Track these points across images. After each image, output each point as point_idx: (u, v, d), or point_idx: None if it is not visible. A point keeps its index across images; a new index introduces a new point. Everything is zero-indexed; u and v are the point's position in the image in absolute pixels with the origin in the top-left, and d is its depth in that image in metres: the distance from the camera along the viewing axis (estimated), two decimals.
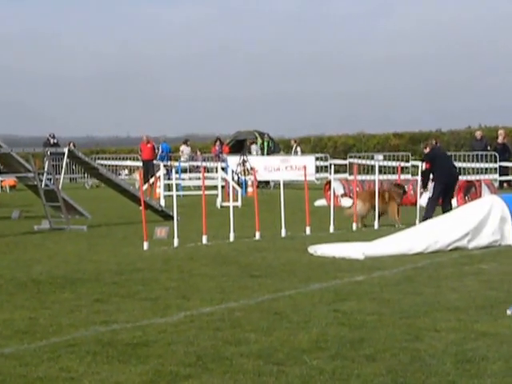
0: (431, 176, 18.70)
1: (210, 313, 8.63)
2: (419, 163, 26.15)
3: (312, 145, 48.34)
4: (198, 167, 38.74)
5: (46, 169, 20.11)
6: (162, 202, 23.72)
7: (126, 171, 45.58)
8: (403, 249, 13.24)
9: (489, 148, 35.44)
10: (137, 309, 8.90)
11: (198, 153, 44.56)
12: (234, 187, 25.75)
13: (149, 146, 38.56)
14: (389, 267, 11.81)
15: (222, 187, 26.34)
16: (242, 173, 33.23)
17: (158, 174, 29.96)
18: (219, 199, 25.14)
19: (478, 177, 31.81)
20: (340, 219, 18.21)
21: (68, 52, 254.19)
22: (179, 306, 8.99)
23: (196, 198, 24.29)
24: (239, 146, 41.00)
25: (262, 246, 14.66)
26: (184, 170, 36.90)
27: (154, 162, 37.85)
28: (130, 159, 46.05)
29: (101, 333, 7.76)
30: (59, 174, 25.77)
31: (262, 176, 35.55)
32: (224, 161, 36.38)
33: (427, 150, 18.95)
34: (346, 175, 35.54)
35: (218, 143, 42.40)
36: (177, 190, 18.46)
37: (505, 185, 34.60)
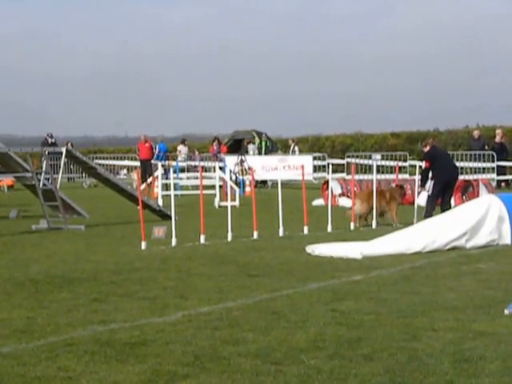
0: (430, 175, 18.73)
1: (208, 312, 8.63)
2: (417, 163, 26.22)
3: (310, 144, 48.34)
4: (195, 167, 38.74)
5: (43, 168, 20.11)
6: (160, 202, 23.72)
7: (125, 170, 45.56)
8: (401, 248, 13.25)
9: (486, 147, 35.45)
10: (135, 308, 8.90)
11: (196, 152, 44.57)
12: (231, 187, 25.81)
13: (147, 145, 38.56)
14: (386, 267, 11.82)
15: (220, 187, 26.33)
16: (240, 172, 33.24)
17: (155, 174, 29.97)
18: (217, 199, 25.14)
19: (475, 176, 31.82)
20: (338, 219, 18.22)
21: (68, 52, 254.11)
22: (177, 306, 9.00)
23: (194, 198, 24.29)
24: (237, 146, 40.98)
25: (259, 245, 14.67)
26: (182, 170, 36.90)
27: (152, 161, 37.87)
28: (128, 159, 46.03)
29: (99, 332, 7.76)
30: (57, 173, 25.73)
31: (260, 175, 35.55)
32: (222, 160, 36.38)
33: (427, 149, 18.96)
34: (344, 175, 35.53)
35: (216, 143, 42.40)
36: (175, 189, 18.47)
37: (502, 184, 34.62)
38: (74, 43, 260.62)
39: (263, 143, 40.44)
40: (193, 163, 40.75)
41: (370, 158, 38.47)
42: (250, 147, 40.05)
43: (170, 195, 17.12)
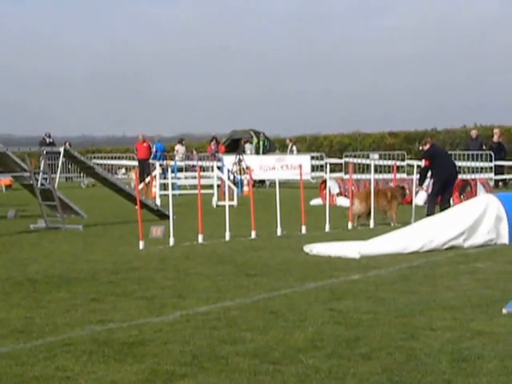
0: (429, 174, 18.75)
1: (206, 312, 8.63)
2: (414, 162, 26.21)
3: (308, 144, 48.32)
4: (193, 166, 38.72)
5: (41, 168, 20.09)
6: (158, 202, 23.72)
7: (123, 170, 45.55)
8: (399, 248, 13.25)
9: (484, 147, 35.44)
10: (133, 308, 8.90)
11: (194, 152, 44.56)
12: (229, 186, 25.75)
13: (145, 145, 38.55)
14: (384, 266, 11.83)
15: (218, 186, 26.34)
16: (238, 172, 33.23)
17: (153, 174, 29.96)
18: (215, 198, 25.15)
19: (473, 176, 31.84)
20: (336, 218, 18.22)
21: (67, 52, 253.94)
22: (175, 305, 9.00)
23: (192, 197, 24.28)
24: (235, 145, 40.98)
25: (257, 245, 14.67)
26: (180, 169, 36.90)
27: (150, 161, 37.86)
28: (126, 158, 46.02)
29: (97, 332, 7.76)
30: (55, 173, 25.73)
31: (258, 175, 35.55)
32: (220, 160, 36.38)
33: (427, 147, 18.96)
34: (342, 174, 35.52)
35: (213, 142, 42.39)
36: (172, 189, 18.46)
37: (500, 184, 34.63)
38: (73, 43, 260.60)
39: (261, 143, 40.42)
40: (191, 163, 40.75)
41: (368, 157, 38.46)
42: (247, 146, 40.04)
43: (167, 195, 17.12)
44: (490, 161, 34.81)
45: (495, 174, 34.70)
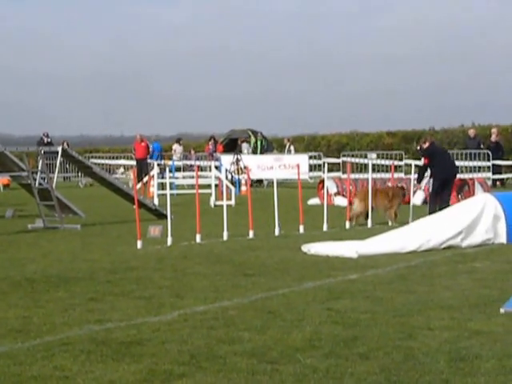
0: (428, 172, 18.76)
1: (204, 311, 8.63)
2: (412, 162, 26.24)
3: (305, 143, 48.35)
4: (191, 166, 38.73)
5: (39, 168, 20.10)
6: (156, 201, 23.72)
7: (122, 169, 45.54)
8: (396, 247, 13.26)
9: (482, 146, 35.49)
10: (131, 307, 8.90)
11: (192, 152, 44.55)
12: (227, 186, 25.77)
13: (143, 144, 38.52)
14: (382, 266, 11.83)
15: (216, 186, 26.34)
16: (236, 171, 33.23)
17: (151, 173, 29.96)
18: (213, 198, 25.14)
19: (471, 175, 31.85)
20: (333, 218, 18.23)
21: (67, 52, 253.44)
22: (173, 305, 9.00)
23: (190, 197, 24.30)
24: (233, 145, 40.97)
25: (255, 244, 14.67)
26: (178, 169, 36.90)
27: (148, 160, 37.84)
28: (124, 158, 46.01)
29: (95, 331, 7.76)
30: (53, 172, 25.77)
31: (256, 175, 35.57)
32: (217, 159, 36.38)
33: (426, 145, 18.97)
34: (340, 174, 35.55)
35: (211, 142, 42.37)
36: (170, 188, 18.46)
37: (498, 183, 34.67)
38: (73, 43, 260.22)
39: (258, 142, 40.42)
40: (188, 162, 40.74)
41: (366, 157, 38.49)
42: (244, 146, 40.03)
43: (165, 194, 17.12)
44: (488, 160, 34.86)
45: (493, 173, 34.74)
